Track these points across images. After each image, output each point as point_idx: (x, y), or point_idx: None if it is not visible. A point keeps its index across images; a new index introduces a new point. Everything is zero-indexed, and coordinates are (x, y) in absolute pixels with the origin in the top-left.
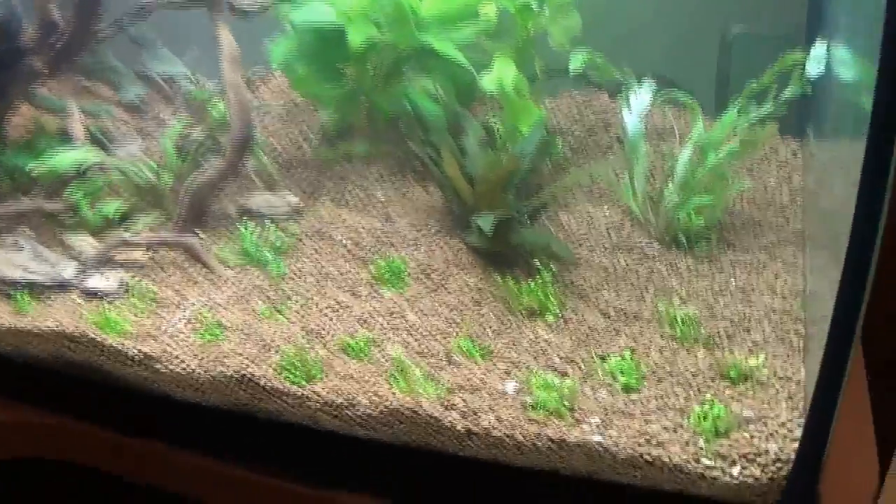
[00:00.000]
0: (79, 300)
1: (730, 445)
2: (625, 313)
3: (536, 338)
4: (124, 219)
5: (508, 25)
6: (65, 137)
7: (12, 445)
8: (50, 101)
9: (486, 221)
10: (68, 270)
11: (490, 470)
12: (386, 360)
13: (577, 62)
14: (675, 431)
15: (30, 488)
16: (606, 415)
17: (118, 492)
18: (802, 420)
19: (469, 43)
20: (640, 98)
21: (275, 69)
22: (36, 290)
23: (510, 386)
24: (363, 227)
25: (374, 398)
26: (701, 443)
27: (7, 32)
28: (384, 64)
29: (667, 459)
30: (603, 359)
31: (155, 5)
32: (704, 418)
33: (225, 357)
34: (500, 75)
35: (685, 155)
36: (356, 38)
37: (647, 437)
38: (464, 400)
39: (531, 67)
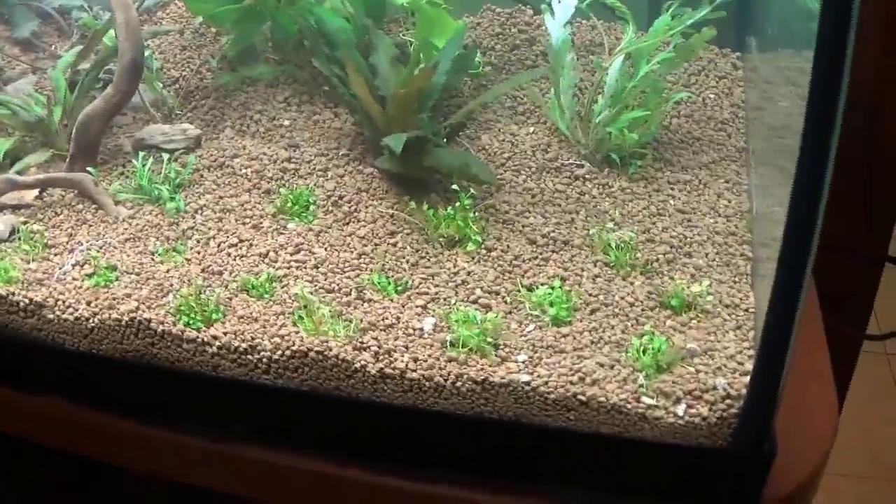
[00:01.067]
0: None
1: (673, 382)
2: (553, 240)
3: (457, 269)
4: (13, 159)
5: None
6: None
7: None
8: None
9: (396, 141)
10: None
11: (407, 416)
12: (291, 300)
13: None
14: (611, 368)
15: None
16: (535, 351)
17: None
18: (753, 351)
19: None
20: (565, 4)
21: None
22: None
23: (428, 322)
24: (267, 157)
25: (277, 340)
26: (641, 379)
27: None
28: None
29: (603, 399)
30: (530, 289)
31: None
32: (644, 352)
33: (117, 301)
34: None
35: (615, 65)
36: None
37: (581, 375)
38: (376, 339)
39: None
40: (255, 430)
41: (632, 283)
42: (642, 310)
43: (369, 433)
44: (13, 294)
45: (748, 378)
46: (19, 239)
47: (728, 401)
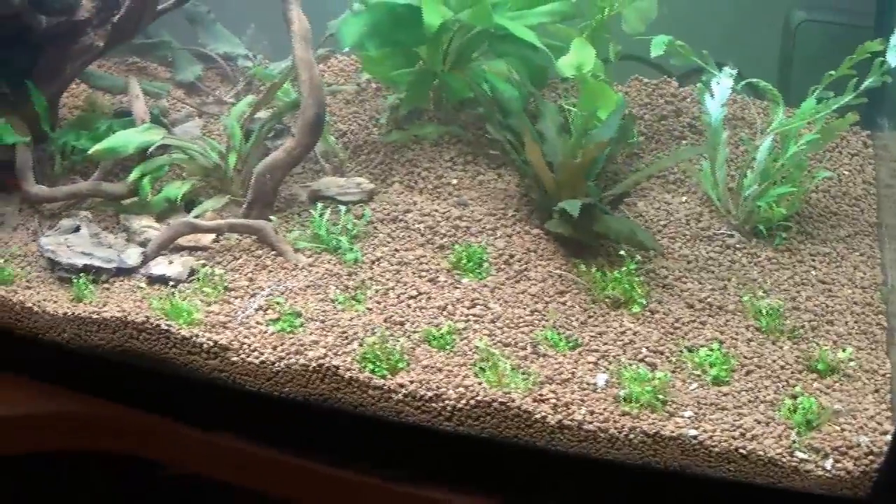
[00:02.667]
0: (143, 287)
1: (822, 438)
2: (709, 304)
3: (623, 329)
4: (188, 202)
5: (582, 8)
6: (120, 117)
7: (72, 437)
8: (105, 80)
9: (573, 206)
10: (131, 255)
11: (575, 464)
12: (471, 351)
13: (658, 47)
14: (767, 425)
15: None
16: (699, 408)
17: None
18: (890, 413)
19: (540, 26)
20: (722, 85)
21: (343, 50)
22: (96, 275)
23: (601, 378)
24: (439, 213)
25: (461, 390)
26: (793, 436)
27: (63, 7)
28: (456, 45)
29: (762, 453)
30: (691, 350)
31: None
32: (795, 411)
33: (304, 347)
34: (579, 59)
35: (765, 144)
36: (432, 19)
37: (742, 431)
38: (554, 393)
39: (605, 51)
40: (428, 471)
41: (781, 348)
42: (792, 372)
43: (544, 479)
44: (196, 336)
45: (888, 436)
46: (198, 280)
47: (871, 457)
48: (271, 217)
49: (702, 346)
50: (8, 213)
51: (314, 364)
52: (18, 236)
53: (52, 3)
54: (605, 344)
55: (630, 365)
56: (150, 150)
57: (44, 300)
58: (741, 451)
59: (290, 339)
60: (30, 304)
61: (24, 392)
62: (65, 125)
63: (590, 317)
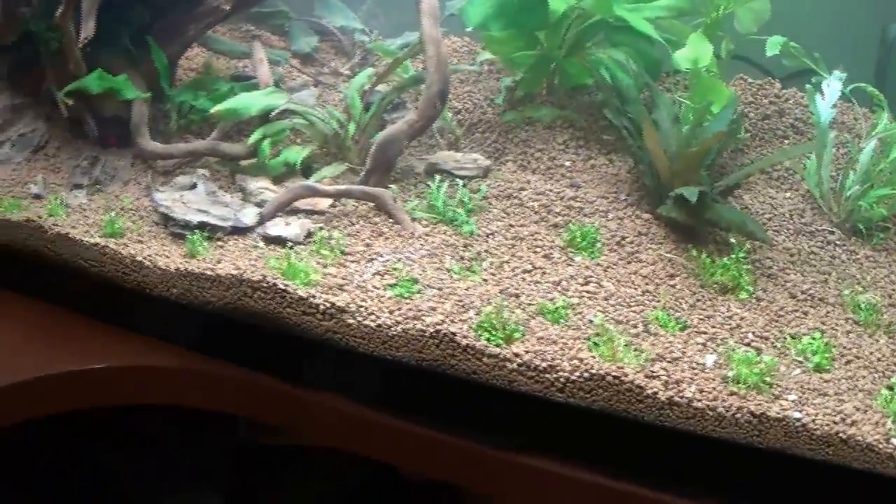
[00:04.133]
0: (258, 246)
1: None
2: (811, 296)
3: (730, 313)
4: (305, 167)
5: (697, 5)
6: (237, 81)
7: (173, 391)
8: (222, 44)
9: (691, 192)
10: (248, 215)
11: (682, 440)
12: (585, 326)
13: (773, 47)
14: (865, 412)
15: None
16: (802, 392)
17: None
18: None
19: (656, 20)
20: (832, 87)
21: (467, 29)
22: (211, 232)
23: (710, 359)
24: (552, 193)
25: (576, 363)
26: (889, 424)
27: None
28: (574, 32)
29: (860, 438)
30: (794, 338)
31: None
32: (891, 401)
33: (421, 313)
34: (695, 53)
35: (869, 147)
36: (557, 4)
37: (842, 416)
38: (665, 370)
39: (718, 48)
40: (535, 441)
41: (877, 341)
42: (888, 364)
43: (648, 453)
44: (313, 297)
45: None
46: (314, 243)
47: None
48: (392, 186)
49: (804, 334)
50: (120, 168)
51: (431, 330)
52: (130, 190)
53: None
54: (713, 327)
55: (737, 348)
56: (272, 114)
57: (155, 254)
58: (841, 435)
59: (407, 304)
60: (140, 258)
61: (129, 345)
62: (182, 85)
63: (698, 300)
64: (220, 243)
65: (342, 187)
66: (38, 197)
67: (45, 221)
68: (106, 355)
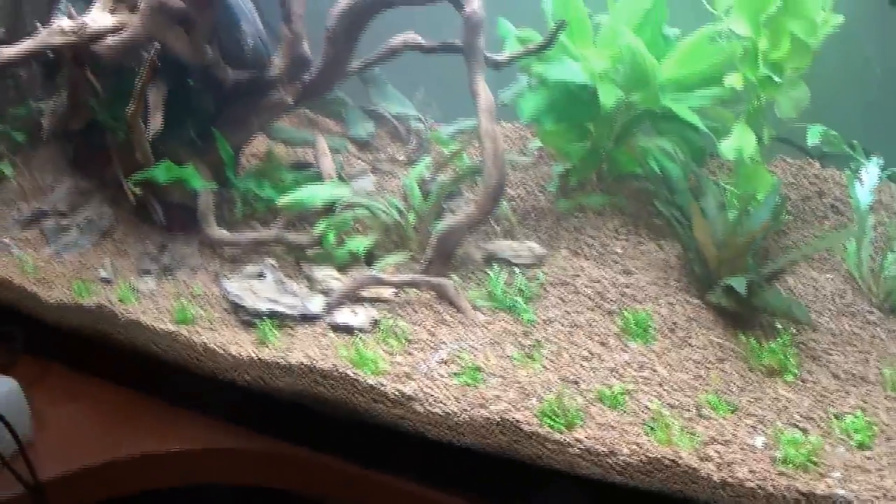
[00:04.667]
0: (325, 334)
1: None
2: (852, 375)
3: (777, 395)
4: (368, 255)
5: (739, 93)
6: (298, 169)
7: (247, 472)
8: (284, 132)
9: (739, 283)
10: (315, 304)
11: None
12: (641, 411)
13: (814, 136)
14: None
15: None
16: (846, 470)
17: None
18: None
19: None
20: (870, 172)
21: (521, 121)
22: (280, 320)
23: (759, 440)
24: (605, 279)
25: (634, 447)
26: None
27: (255, 63)
28: (621, 122)
29: None
30: (838, 417)
31: (403, 48)
32: None
33: (487, 401)
34: (740, 143)
35: None
36: (608, 98)
37: (884, 492)
38: (717, 452)
39: (760, 134)
40: None
41: None
42: None
43: None
44: (383, 385)
45: None
46: (380, 331)
47: None
48: (454, 276)
49: (847, 413)
50: (188, 254)
51: (497, 417)
52: (199, 277)
53: (245, 59)
54: (762, 409)
55: (784, 429)
56: (337, 206)
57: (227, 342)
58: None
59: (473, 392)
60: (213, 346)
61: (201, 428)
62: (245, 173)
63: (747, 383)
64: (289, 331)
65: (406, 277)
66: (106, 281)
67: (116, 307)
68: (177, 438)
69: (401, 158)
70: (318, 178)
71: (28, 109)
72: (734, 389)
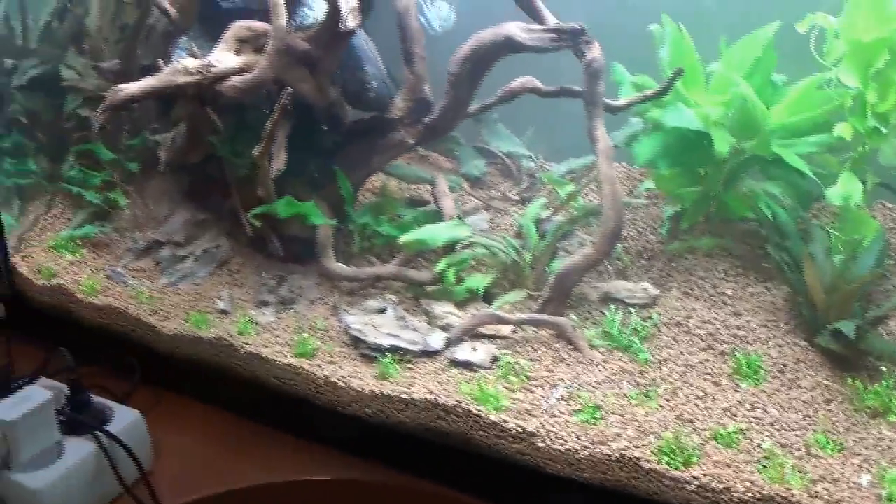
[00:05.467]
0: (445, 370)
1: None
2: None
3: (882, 436)
4: (486, 292)
5: (845, 140)
6: (414, 205)
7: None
8: (401, 168)
9: (848, 327)
10: (436, 339)
11: None
12: (754, 450)
13: None
14: None
15: None
16: None
17: None
18: None
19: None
20: None
21: (636, 166)
22: (401, 355)
23: (865, 478)
24: (717, 321)
25: (748, 485)
26: None
27: (378, 104)
28: (731, 167)
29: None
30: None
31: (522, 91)
32: None
33: (607, 438)
34: (846, 190)
35: None
36: (721, 145)
37: None
38: (826, 490)
39: (864, 181)
40: None
41: None
42: None
43: None
44: (505, 421)
45: None
46: (500, 368)
47: None
48: (573, 315)
49: None
50: (306, 287)
51: (617, 455)
52: (318, 310)
53: (369, 100)
54: (867, 448)
55: (889, 468)
56: (458, 245)
57: (349, 375)
58: None
59: (593, 429)
60: (334, 379)
61: (319, 459)
62: (362, 207)
63: (853, 424)
64: (409, 366)
65: (525, 316)
66: (224, 312)
67: (235, 339)
68: (296, 468)
69: (513, 196)
70: (436, 215)
71: (142, 140)
72: (841, 429)
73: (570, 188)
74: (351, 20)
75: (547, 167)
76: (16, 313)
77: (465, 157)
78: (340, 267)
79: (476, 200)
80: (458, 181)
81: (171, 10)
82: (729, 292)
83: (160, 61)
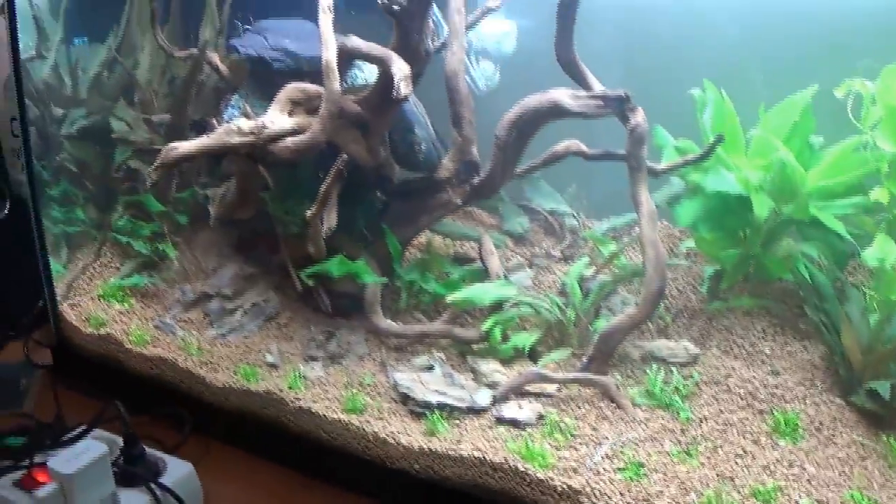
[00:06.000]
0: (492, 427)
1: None
2: None
3: None
4: (531, 350)
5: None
6: (459, 262)
7: None
8: (447, 226)
9: (884, 388)
10: (483, 397)
11: None
12: None
13: None
14: None
15: None
16: None
17: None
18: None
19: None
20: None
21: (679, 227)
22: (448, 412)
23: None
24: (756, 380)
25: None
26: None
27: (427, 165)
28: (768, 228)
29: None
30: None
31: (567, 153)
32: None
33: (651, 496)
34: (882, 252)
35: None
36: (762, 210)
37: None
38: None
39: None
40: None
41: None
42: None
43: None
44: (551, 479)
45: None
46: (546, 425)
47: None
48: (616, 374)
49: None
50: (354, 342)
51: None
52: (366, 366)
53: (418, 162)
54: None
55: None
56: (505, 305)
57: (397, 432)
58: None
59: (636, 487)
60: (383, 435)
61: None
62: (410, 264)
63: (887, 480)
64: (456, 422)
65: (570, 375)
66: (273, 366)
67: (285, 394)
68: None
69: (556, 254)
70: (482, 274)
71: (192, 193)
72: (875, 486)
73: (612, 247)
74: (403, 88)
75: (589, 225)
76: (62, 361)
77: (508, 214)
78: (389, 324)
79: (520, 258)
80: (502, 239)
81: (223, 67)
82: (767, 351)
83: (213, 120)
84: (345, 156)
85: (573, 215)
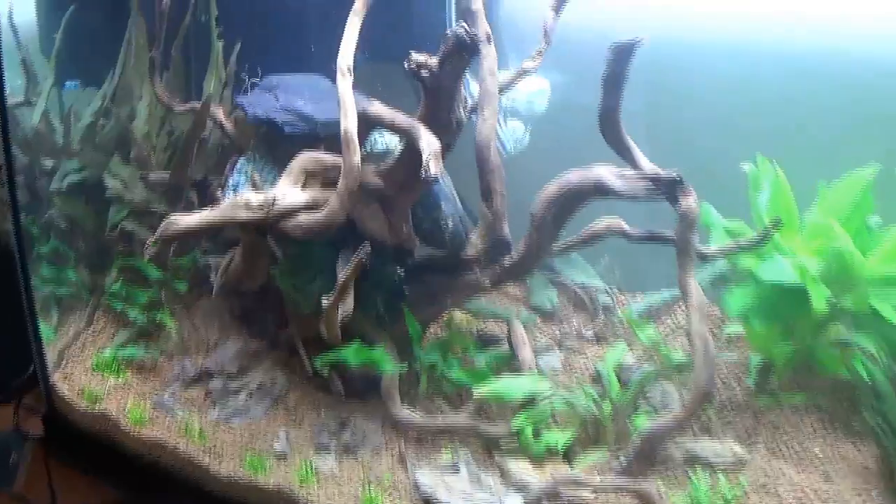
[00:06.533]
0: None
1: None
2: None
3: None
4: (565, 449)
5: None
6: (482, 343)
7: None
8: (476, 304)
9: None
10: (512, 503)
11: None
12: None
13: None
14: None
15: None
16: None
17: None
18: None
19: None
20: None
21: (729, 318)
22: None
23: None
24: (806, 486)
25: None
26: None
27: (453, 243)
28: (821, 319)
29: None
30: None
31: (607, 233)
32: None
33: None
34: None
35: None
36: (819, 303)
37: None
38: None
39: None
40: None
41: None
42: None
43: None
44: None
45: None
46: None
47: None
48: (657, 480)
49: None
50: (370, 431)
51: None
52: (382, 459)
53: (444, 239)
54: None
55: None
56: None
57: None
58: None
59: None
60: None
61: None
62: (430, 344)
63: None
64: None
65: (608, 482)
66: (282, 456)
67: (297, 491)
68: None
69: (588, 334)
70: (510, 359)
71: (193, 260)
72: None
73: (650, 332)
74: (433, 167)
75: (623, 301)
76: (54, 432)
77: (535, 287)
78: (409, 415)
79: (548, 338)
80: (532, 318)
81: (228, 125)
82: (818, 452)
83: (216, 188)
84: (368, 248)
85: (606, 290)
